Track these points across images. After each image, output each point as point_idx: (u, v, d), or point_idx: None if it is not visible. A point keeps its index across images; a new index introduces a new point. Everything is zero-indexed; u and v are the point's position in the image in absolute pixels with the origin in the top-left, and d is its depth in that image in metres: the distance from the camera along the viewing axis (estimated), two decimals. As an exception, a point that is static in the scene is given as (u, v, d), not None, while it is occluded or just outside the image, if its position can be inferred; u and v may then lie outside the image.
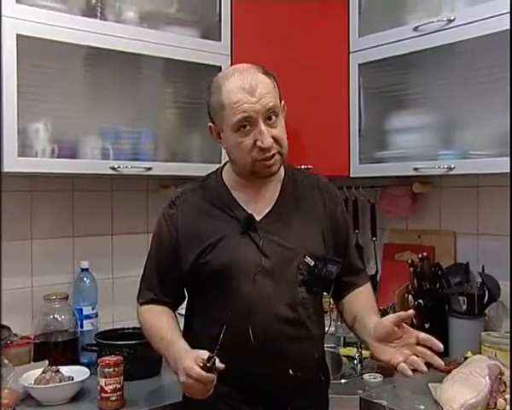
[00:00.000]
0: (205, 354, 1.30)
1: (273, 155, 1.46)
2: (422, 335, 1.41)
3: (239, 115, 1.42)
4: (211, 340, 1.34)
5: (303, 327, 1.51)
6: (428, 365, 1.39)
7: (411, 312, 1.43)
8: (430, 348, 1.39)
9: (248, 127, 1.44)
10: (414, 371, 1.39)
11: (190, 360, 1.31)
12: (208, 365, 1.28)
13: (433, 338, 1.40)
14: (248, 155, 1.46)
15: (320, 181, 1.66)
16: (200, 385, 1.30)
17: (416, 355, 1.39)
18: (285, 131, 1.51)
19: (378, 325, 1.45)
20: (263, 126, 1.43)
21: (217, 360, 1.29)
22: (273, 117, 1.45)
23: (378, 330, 1.44)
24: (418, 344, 1.41)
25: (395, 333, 1.42)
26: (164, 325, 1.51)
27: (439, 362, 1.38)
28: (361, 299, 1.64)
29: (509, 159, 1.74)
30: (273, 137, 1.45)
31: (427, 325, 2.12)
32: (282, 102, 1.54)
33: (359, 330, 1.57)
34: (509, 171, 1.74)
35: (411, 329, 1.43)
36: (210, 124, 1.55)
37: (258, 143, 1.43)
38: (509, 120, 1.75)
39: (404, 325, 1.42)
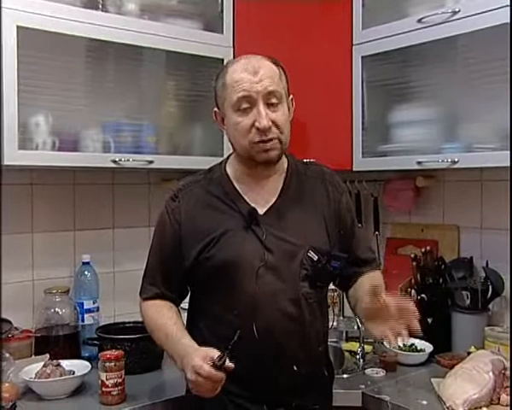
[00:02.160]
0: (214, 352, 1.30)
1: (271, 139, 1.46)
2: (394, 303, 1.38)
3: (239, 94, 1.44)
4: (216, 338, 1.36)
5: (306, 322, 1.50)
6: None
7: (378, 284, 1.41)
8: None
9: (248, 108, 1.44)
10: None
11: (199, 358, 1.31)
12: (219, 363, 1.28)
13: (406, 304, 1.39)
14: (246, 137, 1.46)
15: (324, 171, 1.64)
16: (209, 384, 1.30)
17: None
18: (288, 121, 1.50)
19: (363, 305, 1.44)
20: (262, 107, 1.44)
21: (227, 359, 1.29)
22: (275, 102, 1.45)
23: (363, 311, 1.44)
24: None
25: (378, 309, 1.38)
26: (169, 321, 1.50)
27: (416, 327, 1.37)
28: (365, 282, 1.59)
29: (508, 153, 1.72)
30: (273, 121, 1.45)
31: (430, 320, 2.11)
32: (290, 97, 1.55)
33: (359, 313, 1.57)
34: (509, 165, 1.73)
35: (388, 299, 1.38)
36: (215, 109, 1.56)
37: (256, 124, 1.43)
38: (509, 116, 1.73)
39: (383, 297, 1.37)
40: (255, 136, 1.45)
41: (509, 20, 1.73)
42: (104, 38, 1.93)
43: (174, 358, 1.45)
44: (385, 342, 1.43)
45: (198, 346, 1.38)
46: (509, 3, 1.73)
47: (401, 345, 2.07)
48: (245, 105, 1.44)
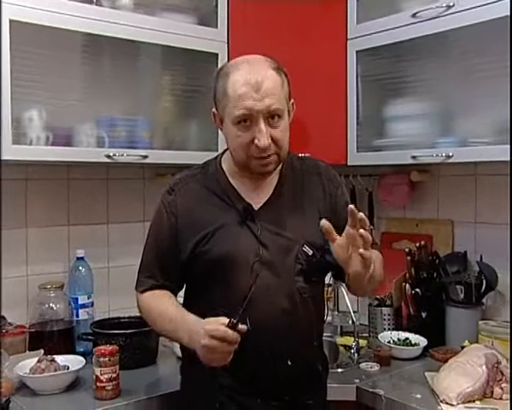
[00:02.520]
0: (224, 319, 1.30)
1: (269, 155, 1.45)
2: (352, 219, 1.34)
3: (240, 111, 1.41)
4: None
5: (301, 317, 1.50)
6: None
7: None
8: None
9: (249, 123, 1.43)
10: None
11: (212, 323, 1.32)
12: (234, 322, 1.28)
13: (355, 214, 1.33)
14: (244, 151, 1.45)
15: (319, 166, 1.64)
16: (224, 346, 1.30)
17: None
18: (287, 134, 1.49)
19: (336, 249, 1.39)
20: (263, 126, 1.42)
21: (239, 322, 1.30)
22: (276, 117, 1.44)
23: (338, 252, 1.38)
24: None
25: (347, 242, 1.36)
26: (170, 306, 1.51)
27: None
28: None
29: (508, 147, 1.72)
30: (272, 138, 1.43)
31: (424, 314, 2.12)
32: (292, 101, 1.53)
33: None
34: (508, 159, 1.73)
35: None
36: (214, 110, 1.54)
37: (256, 142, 1.42)
38: (509, 109, 1.73)
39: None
40: (254, 152, 1.44)
41: (503, 15, 1.73)
42: (98, 33, 1.92)
43: (180, 337, 1.45)
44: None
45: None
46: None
47: (395, 339, 2.08)
48: (245, 121, 1.43)
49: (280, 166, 1.58)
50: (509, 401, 1.59)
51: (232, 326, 1.29)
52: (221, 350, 1.31)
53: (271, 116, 1.43)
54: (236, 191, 1.54)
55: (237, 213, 1.51)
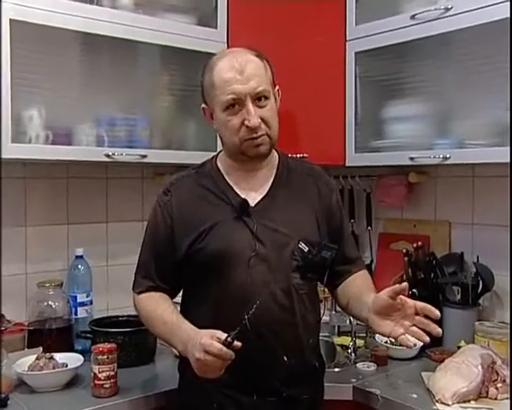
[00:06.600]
0: (219, 333, 1.32)
1: (260, 136, 1.48)
2: (420, 304, 1.41)
3: (229, 96, 1.45)
4: (208, 328, 1.36)
5: (297, 313, 1.52)
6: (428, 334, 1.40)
7: (405, 284, 1.41)
8: (428, 317, 1.40)
9: (237, 107, 1.46)
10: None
11: (208, 337, 1.32)
12: (230, 340, 1.29)
13: (429, 306, 1.40)
14: (236, 135, 1.48)
15: (313, 169, 1.67)
16: (218, 362, 1.31)
17: (416, 326, 1.40)
18: (275, 115, 1.53)
19: (376, 299, 1.45)
20: (251, 106, 1.46)
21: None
22: (262, 99, 1.48)
23: (376, 304, 1.44)
24: (417, 314, 1.41)
25: (393, 306, 1.42)
26: (165, 310, 1.52)
27: (437, 330, 1.39)
28: (358, 281, 1.65)
29: (508, 149, 1.72)
30: (261, 118, 1.47)
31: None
32: (276, 87, 1.56)
33: (356, 308, 1.57)
34: (508, 161, 1.73)
35: (409, 300, 1.42)
36: (203, 105, 1.57)
37: (246, 123, 1.46)
38: (509, 111, 1.73)
39: (402, 297, 1.41)
40: (245, 133, 1.47)
41: (501, 17, 1.74)
42: (98, 32, 1.93)
43: (175, 344, 1.47)
44: (399, 341, 1.44)
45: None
46: (502, 0, 1.74)
47: (392, 339, 2.09)
48: (234, 105, 1.46)
49: (276, 166, 1.61)
50: (504, 401, 1.60)
51: (228, 344, 1.30)
52: (214, 366, 1.32)
53: (258, 98, 1.47)
54: (232, 188, 1.55)
55: (233, 209, 1.52)
